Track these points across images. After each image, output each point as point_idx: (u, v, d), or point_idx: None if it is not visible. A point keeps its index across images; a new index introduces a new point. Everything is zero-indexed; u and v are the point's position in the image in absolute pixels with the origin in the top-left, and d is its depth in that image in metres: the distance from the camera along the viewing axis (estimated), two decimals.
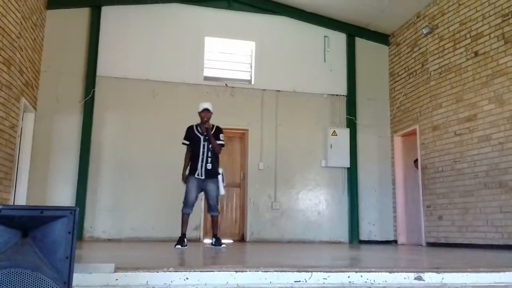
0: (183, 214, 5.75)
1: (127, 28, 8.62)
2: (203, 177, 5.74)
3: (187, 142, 5.94)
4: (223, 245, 5.83)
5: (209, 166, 5.75)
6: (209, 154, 5.77)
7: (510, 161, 6.51)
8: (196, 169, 5.75)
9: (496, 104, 6.83)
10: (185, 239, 5.69)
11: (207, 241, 8.24)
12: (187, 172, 5.86)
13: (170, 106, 8.52)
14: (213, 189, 5.77)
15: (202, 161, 5.75)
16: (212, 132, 5.83)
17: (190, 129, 6.00)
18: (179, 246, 5.55)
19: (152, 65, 8.58)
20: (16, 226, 1.68)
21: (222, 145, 5.95)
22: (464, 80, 7.47)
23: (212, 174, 5.78)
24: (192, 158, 5.84)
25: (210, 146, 5.79)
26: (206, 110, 5.85)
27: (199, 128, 5.93)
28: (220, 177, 5.83)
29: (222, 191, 5.82)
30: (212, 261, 3.59)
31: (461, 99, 7.53)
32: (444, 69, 7.97)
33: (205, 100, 6.32)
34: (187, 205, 5.72)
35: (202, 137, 5.83)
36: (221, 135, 5.95)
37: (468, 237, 7.18)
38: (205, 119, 5.81)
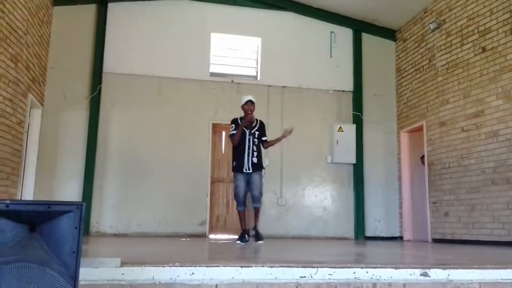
0: (239, 212, 5.82)
1: (133, 24, 8.64)
2: (250, 171, 5.73)
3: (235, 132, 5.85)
4: (260, 242, 5.79)
5: (255, 159, 5.77)
6: (254, 148, 5.78)
7: None
8: (242, 165, 5.74)
9: (504, 100, 6.78)
10: (246, 235, 5.75)
11: (213, 236, 8.26)
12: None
13: (176, 102, 8.53)
14: (257, 180, 5.76)
15: (248, 155, 5.74)
16: (257, 127, 5.86)
17: (236, 121, 5.90)
18: (239, 242, 5.61)
19: (158, 61, 8.59)
20: (24, 221, 1.69)
21: (267, 142, 6.02)
22: (472, 76, 7.42)
23: (257, 167, 5.80)
24: (236, 153, 5.82)
25: (255, 140, 5.80)
26: (250, 102, 5.81)
27: (243, 121, 5.85)
28: (263, 171, 5.96)
29: (263, 184, 5.96)
30: (217, 257, 3.59)
31: (468, 95, 7.48)
32: (451, 64, 7.91)
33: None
34: (240, 202, 5.75)
35: (247, 131, 5.80)
36: (264, 130, 6.00)
37: (474, 233, 7.14)
38: (249, 112, 5.78)
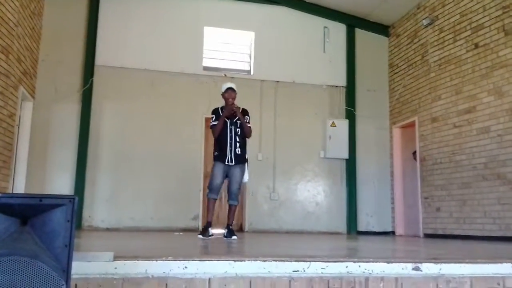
0: (208, 199, 5.42)
1: (126, 17, 8.57)
2: (232, 163, 5.39)
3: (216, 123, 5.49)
4: (233, 237, 5.36)
5: (238, 150, 5.40)
6: (237, 139, 5.41)
7: (509, 153, 6.52)
8: (225, 155, 5.37)
9: (495, 96, 6.82)
10: (210, 229, 5.38)
11: None
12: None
13: (169, 96, 8.50)
14: (237, 175, 5.41)
15: (231, 146, 5.37)
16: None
17: (216, 111, 5.55)
18: (200, 236, 5.27)
19: (151, 55, 8.54)
20: (15, 214, 1.68)
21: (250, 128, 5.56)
22: (464, 72, 7.46)
23: (240, 160, 5.44)
24: (218, 143, 5.44)
25: (238, 130, 5.42)
26: (230, 89, 5.45)
27: (224, 111, 5.48)
28: (246, 164, 5.53)
29: (246, 177, 5.52)
30: (210, 251, 3.59)
31: (460, 91, 7.52)
32: (444, 60, 7.94)
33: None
34: (212, 189, 5.36)
35: (229, 121, 5.42)
36: (247, 117, 5.53)
37: (466, 228, 7.21)
38: (230, 100, 5.40)
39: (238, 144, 5.40)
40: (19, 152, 7.31)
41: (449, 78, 7.79)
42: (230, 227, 5.50)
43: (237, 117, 5.42)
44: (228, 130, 5.40)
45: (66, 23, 8.31)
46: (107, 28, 8.43)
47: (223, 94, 5.52)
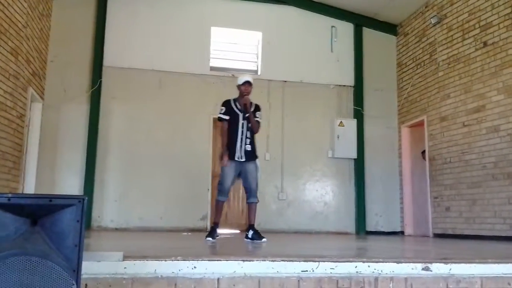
0: (218, 201, 5.10)
1: (133, 18, 8.60)
2: (243, 159, 5.06)
3: (226, 117, 5.17)
4: (264, 239, 4.91)
5: (248, 147, 5.08)
6: (248, 135, 5.11)
7: None
8: (235, 151, 5.05)
9: (505, 94, 6.76)
10: (217, 230, 5.12)
11: None
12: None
13: (176, 96, 8.52)
14: (253, 171, 5.07)
15: (241, 142, 5.07)
16: (252, 111, 5.15)
17: (227, 103, 5.23)
18: (210, 239, 4.94)
19: (159, 55, 8.56)
20: (25, 214, 1.69)
21: (259, 123, 5.24)
22: (473, 71, 7.40)
23: (252, 156, 5.12)
24: (228, 138, 5.12)
25: (249, 124, 5.12)
26: (247, 83, 5.12)
27: (237, 104, 5.20)
28: (258, 161, 5.21)
29: (259, 177, 5.19)
30: (219, 251, 3.60)
31: (469, 89, 7.46)
32: (452, 59, 7.89)
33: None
34: (224, 191, 5.04)
35: (241, 115, 5.13)
36: (258, 113, 5.22)
37: (476, 228, 7.15)
38: (245, 93, 5.10)
39: (248, 141, 5.10)
40: (29, 153, 7.36)
41: (458, 77, 7.74)
42: (255, 228, 5.10)
43: (250, 110, 5.14)
44: (240, 125, 5.12)
45: (74, 24, 8.36)
46: (115, 29, 8.47)
47: (239, 86, 5.20)
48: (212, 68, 8.82)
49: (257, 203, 5.16)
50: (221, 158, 5.14)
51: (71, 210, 1.73)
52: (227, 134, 5.16)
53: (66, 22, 8.30)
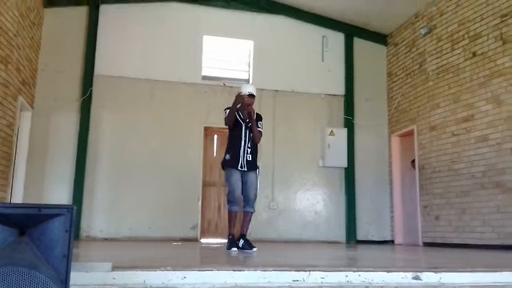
0: (231, 212, 5.08)
1: (125, 26, 8.60)
2: (245, 169, 5.11)
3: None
4: (254, 249, 4.91)
5: (249, 157, 5.14)
6: (249, 144, 5.16)
7: (507, 162, 6.53)
8: (238, 160, 5.08)
9: (493, 104, 6.84)
10: (234, 240, 5.04)
11: (204, 240, 8.23)
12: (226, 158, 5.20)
13: (168, 105, 8.50)
14: (253, 181, 5.13)
15: (244, 151, 5.12)
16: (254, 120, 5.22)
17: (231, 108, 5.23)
18: (235, 249, 4.89)
19: (150, 64, 8.56)
20: (13, 224, 1.67)
21: (261, 133, 5.31)
22: (462, 81, 7.48)
23: (253, 166, 5.18)
24: (231, 146, 5.17)
25: (252, 134, 5.18)
26: (251, 96, 5.18)
27: (240, 113, 5.22)
28: (257, 171, 5.25)
29: (258, 187, 5.25)
30: (210, 261, 3.58)
31: (458, 99, 7.54)
32: (442, 69, 7.97)
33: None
34: (235, 201, 5.03)
35: (244, 124, 5.19)
36: (260, 122, 5.30)
37: (465, 237, 7.19)
38: (248, 104, 5.17)
39: (249, 150, 5.15)
40: (17, 162, 7.30)
41: (447, 86, 7.82)
42: (246, 237, 5.11)
43: (253, 121, 5.21)
44: (243, 133, 5.17)
45: (65, 33, 8.34)
46: (106, 37, 8.46)
47: (242, 96, 5.17)
48: (204, 77, 8.83)
49: (252, 213, 5.18)
50: (227, 162, 5.15)
51: (60, 220, 1.71)
52: (230, 141, 5.23)
53: (58, 30, 8.28)
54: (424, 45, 8.47)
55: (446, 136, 7.74)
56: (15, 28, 6.65)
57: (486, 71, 7.01)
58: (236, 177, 5.07)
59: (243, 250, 4.90)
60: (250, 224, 5.22)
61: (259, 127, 5.27)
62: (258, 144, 5.34)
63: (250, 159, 5.15)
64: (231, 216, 5.10)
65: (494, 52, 6.89)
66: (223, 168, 5.25)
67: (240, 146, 5.13)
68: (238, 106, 5.18)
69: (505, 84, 6.66)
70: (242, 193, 5.15)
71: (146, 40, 8.63)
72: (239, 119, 5.21)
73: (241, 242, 5.03)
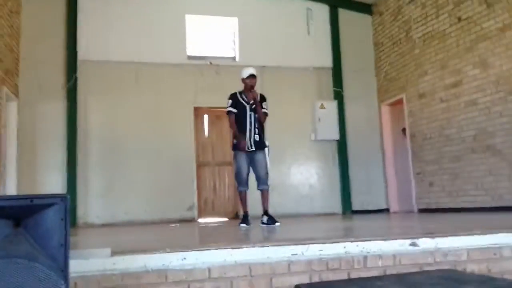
0: (240, 192, 5.45)
1: (105, 9, 8.42)
2: (253, 149, 5.30)
3: (235, 110, 5.40)
4: (277, 223, 5.17)
5: (257, 137, 5.33)
6: (256, 125, 5.35)
7: (497, 125, 6.57)
8: (245, 143, 5.30)
9: (481, 68, 6.84)
10: (248, 218, 5.39)
11: (202, 220, 8.27)
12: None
13: (155, 87, 8.41)
14: (262, 160, 5.32)
15: (250, 132, 5.31)
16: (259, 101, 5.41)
17: (234, 96, 5.47)
18: (244, 225, 5.26)
19: (134, 46, 8.40)
20: (7, 216, 1.65)
21: (267, 114, 5.47)
22: (448, 46, 7.47)
23: (261, 145, 5.36)
24: (237, 130, 5.36)
25: (256, 115, 5.36)
26: (252, 76, 5.36)
27: (243, 96, 5.44)
28: (267, 149, 5.44)
29: (268, 164, 5.43)
30: (208, 240, 3.60)
31: (446, 65, 7.53)
32: (428, 36, 7.94)
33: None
34: (242, 182, 5.35)
35: (248, 106, 5.37)
36: (265, 103, 5.46)
37: (459, 201, 7.28)
38: (250, 86, 5.35)
39: (257, 131, 5.34)
40: (7, 153, 7.21)
41: (434, 53, 7.80)
42: (268, 213, 5.38)
43: (258, 102, 5.38)
44: (248, 116, 5.35)
45: (45, 20, 8.16)
46: (87, 22, 8.28)
47: (243, 80, 5.43)
48: (190, 57, 8.72)
49: (267, 190, 5.40)
50: (234, 146, 5.40)
51: (54, 209, 1.70)
52: (235, 125, 5.40)
53: (37, 18, 8.10)
54: (409, 12, 8.41)
55: (436, 103, 7.76)
56: None
57: (472, 36, 6.99)
58: (242, 158, 5.31)
59: (268, 225, 5.16)
60: (268, 200, 5.43)
61: (264, 108, 5.43)
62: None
63: (258, 139, 5.34)
64: (241, 195, 5.47)
65: (479, 16, 6.86)
66: (233, 149, 5.48)
67: (246, 128, 5.33)
68: (242, 91, 5.47)
69: (491, 47, 6.66)
70: (254, 173, 5.38)
71: (127, 22, 8.46)
72: (243, 102, 5.40)
73: (265, 218, 5.33)
